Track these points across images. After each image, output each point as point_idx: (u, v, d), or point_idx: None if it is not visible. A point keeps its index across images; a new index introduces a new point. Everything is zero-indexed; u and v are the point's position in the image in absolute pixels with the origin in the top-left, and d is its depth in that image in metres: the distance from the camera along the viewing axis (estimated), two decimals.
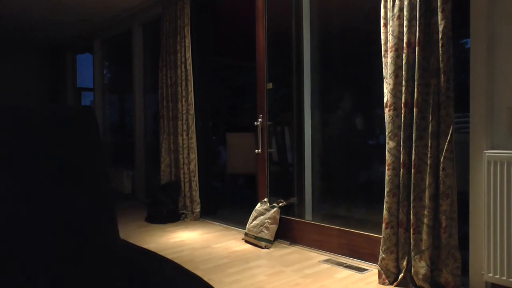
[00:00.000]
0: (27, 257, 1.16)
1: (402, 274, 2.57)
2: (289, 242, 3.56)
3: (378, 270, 2.66)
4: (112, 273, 1.23)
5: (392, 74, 2.60)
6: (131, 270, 1.27)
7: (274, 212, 3.55)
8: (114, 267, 1.26)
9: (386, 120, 2.65)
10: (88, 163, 1.31)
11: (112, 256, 1.28)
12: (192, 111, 4.53)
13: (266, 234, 3.49)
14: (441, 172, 2.42)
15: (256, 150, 3.78)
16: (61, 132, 1.30)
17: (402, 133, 2.56)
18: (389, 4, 2.62)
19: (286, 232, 3.59)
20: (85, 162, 1.30)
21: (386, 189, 2.62)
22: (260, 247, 3.48)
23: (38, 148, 1.23)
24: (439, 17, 2.38)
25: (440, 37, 2.38)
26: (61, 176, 1.25)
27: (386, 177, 2.63)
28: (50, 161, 1.24)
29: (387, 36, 2.65)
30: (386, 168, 2.63)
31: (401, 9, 2.54)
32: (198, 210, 4.52)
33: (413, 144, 2.50)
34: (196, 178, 4.52)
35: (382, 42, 2.69)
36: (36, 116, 1.27)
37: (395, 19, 2.57)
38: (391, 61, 2.60)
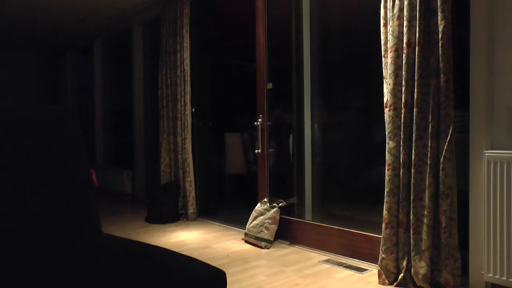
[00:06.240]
0: (13, 249, 1.20)
1: (402, 274, 2.57)
2: (289, 242, 3.56)
3: (378, 270, 2.66)
4: (98, 263, 1.30)
5: (392, 74, 2.60)
6: (125, 258, 1.32)
7: (274, 212, 3.55)
8: (99, 257, 1.33)
9: (386, 120, 2.65)
10: (69, 159, 1.42)
11: (95, 247, 1.37)
12: (187, 112, 4.53)
13: (266, 234, 3.49)
14: (441, 172, 2.41)
15: (256, 150, 3.78)
16: (45, 131, 1.41)
17: (402, 133, 2.56)
18: (389, 4, 2.62)
19: (286, 232, 3.59)
20: (66, 158, 1.41)
21: (386, 189, 2.62)
22: (260, 247, 3.47)
23: (21, 146, 1.32)
24: (439, 17, 2.38)
25: (440, 37, 2.38)
26: (42, 172, 1.33)
27: (386, 177, 2.63)
28: (33, 157, 1.33)
29: (387, 36, 2.65)
30: (386, 168, 2.63)
31: (401, 9, 2.54)
32: (192, 210, 4.54)
33: (413, 144, 2.50)
34: (191, 179, 4.53)
35: (382, 42, 2.69)
36: (23, 116, 1.38)
37: (395, 19, 2.57)
38: (391, 61, 2.60)
